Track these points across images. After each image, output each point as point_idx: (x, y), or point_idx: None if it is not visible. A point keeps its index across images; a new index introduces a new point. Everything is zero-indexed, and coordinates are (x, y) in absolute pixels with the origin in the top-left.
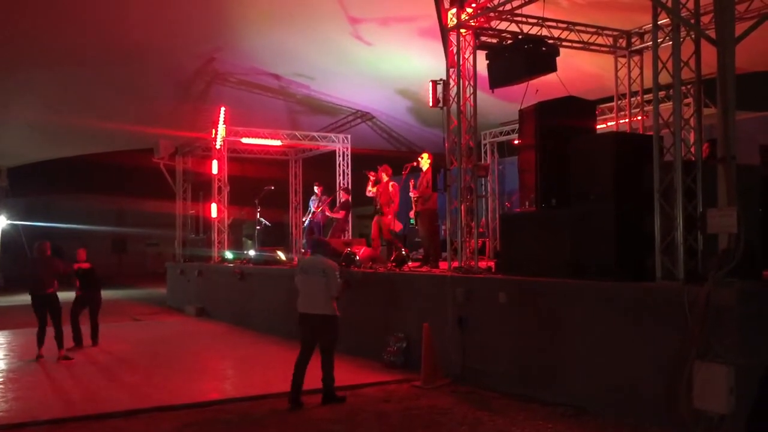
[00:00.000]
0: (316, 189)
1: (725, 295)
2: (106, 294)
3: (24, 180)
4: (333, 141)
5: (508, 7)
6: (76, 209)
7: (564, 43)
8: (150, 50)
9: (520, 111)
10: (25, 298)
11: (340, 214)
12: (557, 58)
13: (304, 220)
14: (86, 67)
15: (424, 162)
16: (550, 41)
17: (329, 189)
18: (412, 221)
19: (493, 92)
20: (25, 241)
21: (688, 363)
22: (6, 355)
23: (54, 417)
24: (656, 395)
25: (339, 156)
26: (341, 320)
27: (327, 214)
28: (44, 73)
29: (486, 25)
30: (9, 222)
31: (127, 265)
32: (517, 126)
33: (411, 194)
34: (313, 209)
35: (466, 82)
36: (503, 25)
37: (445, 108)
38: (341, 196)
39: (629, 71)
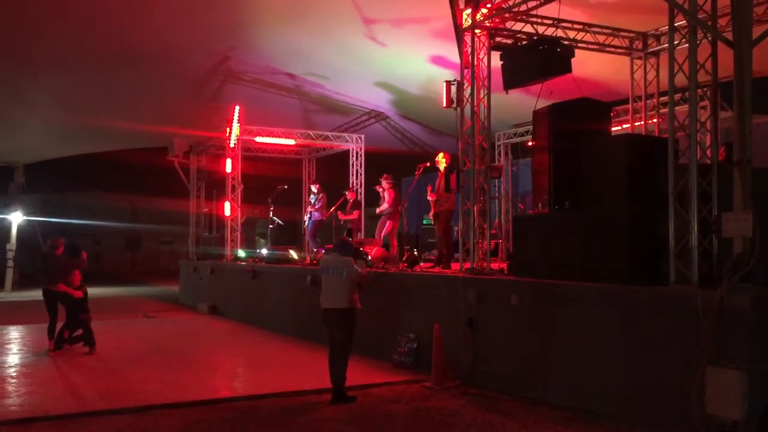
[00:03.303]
0: (313, 188)
1: (739, 300)
2: (118, 291)
3: (40, 176)
4: (347, 140)
5: (523, 7)
6: (90, 206)
7: (579, 45)
8: (165, 50)
9: (534, 112)
10: (39, 294)
11: (354, 215)
12: (572, 60)
13: (305, 218)
14: (102, 67)
15: (442, 164)
16: (566, 42)
17: (340, 187)
18: (426, 222)
19: (507, 93)
20: (40, 237)
21: (700, 368)
22: (19, 349)
23: (65, 412)
24: (668, 400)
25: (352, 156)
26: (357, 313)
27: (341, 218)
28: (61, 74)
29: (501, 26)
30: (25, 218)
31: (141, 263)
32: (531, 127)
33: (429, 198)
34: (309, 209)
35: (480, 83)
36: (518, 26)
37: (458, 109)
38: (349, 197)
39: (645, 73)
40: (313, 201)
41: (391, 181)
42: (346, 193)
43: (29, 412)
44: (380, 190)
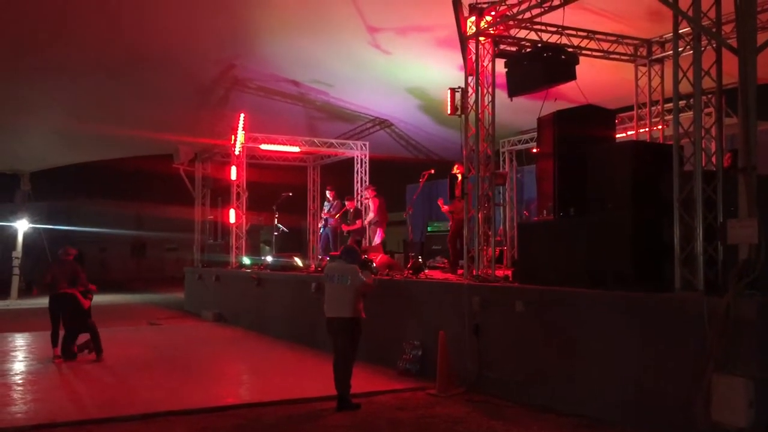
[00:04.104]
0: (328, 194)
1: (745, 307)
2: (123, 298)
3: (46, 184)
4: (351, 148)
5: (527, 15)
6: (96, 213)
7: (584, 52)
8: (171, 57)
9: (539, 119)
10: (45, 301)
11: (358, 224)
12: (577, 67)
13: (320, 226)
14: (108, 75)
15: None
16: (570, 49)
17: (343, 194)
18: (430, 229)
19: (511, 100)
20: (46, 245)
21: (706, 375)
22: (25, 357)
23: (71, 419)
24: (673, 407)
25: (357, 163)
26: (362, 323)
27: (345, 229)
28: (67, 81)
29: (505, 33)
30: (31, 225)
31: (146, 270)
32: (535, 134)
33: (443, 210)
34: (323, 215)
35: (485, 90)
36: (522, 33)
37: (463, 116)
38: (349, 206)
39: (650, 80)
40: (328, 208)
41: (374, 191)
42: (346, 202)
43: (35, 420)
44: (366, 201)
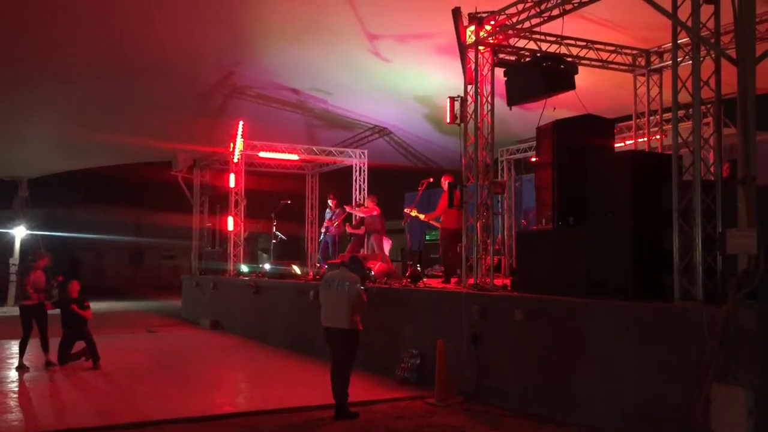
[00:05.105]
0: (330, 202)
1: (745, 317)
2: (121, 305)
3: (44, 191)
4: (350, 156)
5: (526, 24)
6: (94, 220)
7: (583, 61)
8: (170, 65)
9: (538, 128)
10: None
11: (361, 230)
12: (576, 76)
13: (322, 231)
14: (106, 82)
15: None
16: (569, 59)
17: (343, 202)
18: (429, 237)
19: (510, 109)
20: (44, 252)
21: (706, 385)
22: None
23: (67, 427)
24: (673, 417)
25: (356, 171)
26: (360, 335)
27: (348, 230)
28: (66, 88)
29: (504, 43)
30: (29, 232)
31: (144, 277)
32: (534, 143)
33: (425, 219)
34: (326, 224)
35: (484, 99)
36: (522, 43)
37: (462, 124)
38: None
39: (648, 90)
40: (330, 216)
41: (374, 201)
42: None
43: (31, 427)
44: (356, 209)
